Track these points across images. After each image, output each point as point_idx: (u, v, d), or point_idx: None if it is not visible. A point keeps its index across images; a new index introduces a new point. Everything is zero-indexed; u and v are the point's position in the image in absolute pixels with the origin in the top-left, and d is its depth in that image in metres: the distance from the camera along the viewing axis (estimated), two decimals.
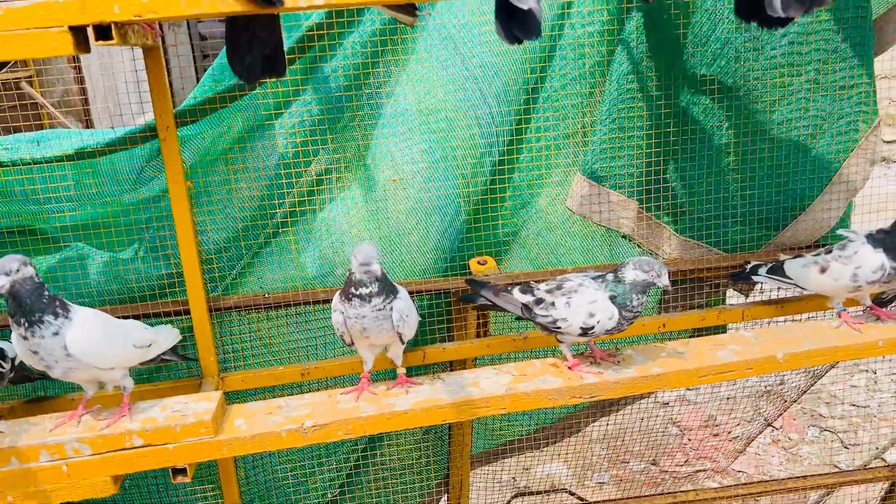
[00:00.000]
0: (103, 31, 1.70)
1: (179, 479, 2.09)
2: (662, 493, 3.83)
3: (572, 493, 4.12)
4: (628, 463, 5.66)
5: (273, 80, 2.49)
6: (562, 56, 2.70)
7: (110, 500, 2.44)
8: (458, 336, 2.83)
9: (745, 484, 4.04)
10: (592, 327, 2.16)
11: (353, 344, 2.26)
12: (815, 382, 3.98)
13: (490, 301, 2.37)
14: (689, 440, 5.79)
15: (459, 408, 2.17)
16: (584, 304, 2.16)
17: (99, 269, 2.58)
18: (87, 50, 1.75)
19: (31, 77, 7.34)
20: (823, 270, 2.43)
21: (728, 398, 4.94)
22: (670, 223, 2.90)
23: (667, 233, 2.90)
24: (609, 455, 5.57)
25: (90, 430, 2.01)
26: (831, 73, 2.70)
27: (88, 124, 7.77)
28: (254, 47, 1.94)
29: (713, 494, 3.80)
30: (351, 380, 2.75)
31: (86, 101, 8.06)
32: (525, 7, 1.57)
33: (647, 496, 3.79)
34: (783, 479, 3.92)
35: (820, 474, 4.01)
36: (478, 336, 2.84)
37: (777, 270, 2.63)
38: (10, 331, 1.95)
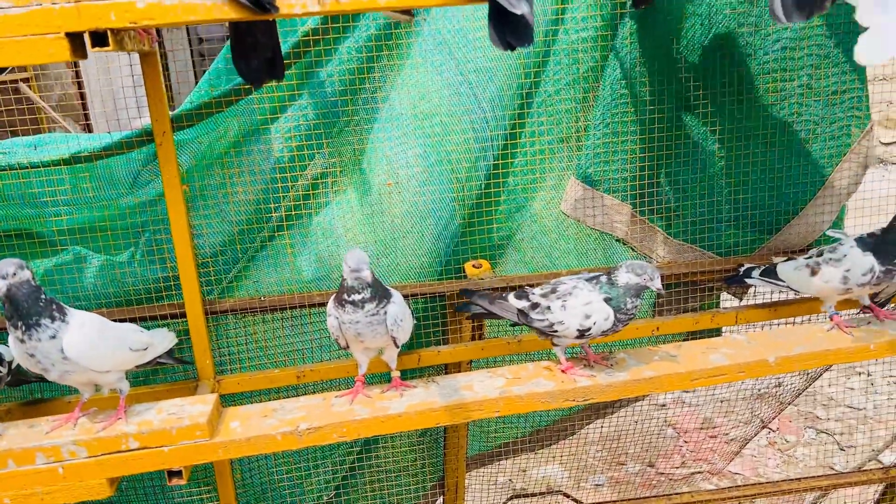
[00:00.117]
0: (100, 38, 1.71)
1: (175, 481, 2.11)
2: (657, 496, 3.84)
3: (567, 496, 4.13)
4: (625, 465, 5.67)
5: (272, 83, 2.51)
6: (556, 61, 2.72)
7: (107, 503, 2.45)
8: (452, 339, 2.84)
9: (740, 486, 4.05)
10: (589, 329, 2.17)
11: (348, 347, 2.28)
12: (810, 385, 3.99)
13: (485, 309, 2.39)
14: (686, 442, 5.80)
15: (453, 411, 2.18)
16: (579, 307, 2.17)
17: (96, 273, 2.59)
18: (84, 56, 1.76)
19: (28, 79, 7.36)
20: (814, 273, 2.46)
21: (725, 400, 4.96)
22: (664, 227, 2.92)
23: (660, 236, 2.92)
24: (606, 457, 5.59)
25: (86, 433, 2.02)
26: (824, 78, 2.71)
27: (87, 128, 7.79)
28: (257, 51, 1.96)
29: (708, 496, 3.81)
30: (346, 383, 2.77)
31: (84, 105, 8.08)
32: (518, 12, 1.58)
33: (643, 498, 3.81)
34: (778, 481, 3.94)
35: (815, 476, 4.03)
36: (472, 339, 2.86)
37: (770, 273, 2.66)
38: (7, 334, 1.97)
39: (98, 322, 2.05)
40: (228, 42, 2.07)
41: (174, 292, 2.61)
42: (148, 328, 2.38)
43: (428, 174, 2.69)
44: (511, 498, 4.17)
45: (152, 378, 2.73)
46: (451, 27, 2.61)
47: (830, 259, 2.42)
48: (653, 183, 2.82)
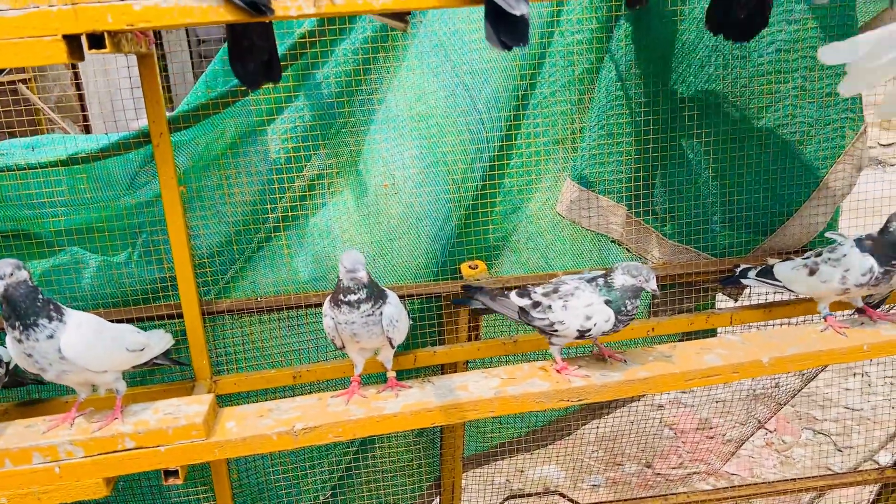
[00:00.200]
0: (96, 40, 1.72)
1: (171, 480, 2.11)
2: (653, 496, 3.85)
3: (563, 496, 4.14)
4: (622, 466, 5.68)
5: (269, 85, 2.52)
6: (551, 63, 2.74)
7: (103, 502, 2.46)
8: (449, 340, 2.85)
9: (736, 486, 4.07)
10: (589, 330, 2.19)
11: (344, 348, 2.29)
12: (806, 385, 4.00)
13: (485, 305, 2.40)
14: (684, 443, 5.81)
15: (448, 411, 2.19)
16: (580, 308, 2.19)
17: (93, 273, 2.60)
18: (81, 58, 1.77)
19: (27, 80, 7.37)
20: (812, 273, 2.47)
21: (722, 401, 4.97)
22: (659, 228, 2.93)
23: (655, 237, 2.93)
24: (603, 458, 5.59)
25: (83, 433, 2.03)
26: (818, 81, 2.73)
27: (86, 129, 7.80)
28: (254, 53, 1.98)
29: (704, 497, 3.82)
30: (343, 383, 2.78)
31: (83, 106, 8.09)
32: (518, 13, 1.58)
33: (638, 498, 3.82)
34: (774, 482, 3.95)
35: (810, 477, 4.04)
36: (469, 340, 2.87)
37: (766, 273, 2.67)
38: (4, 335, 1.98)
39: (95, 322, 2.06)
40: (226, 44, 2.08)
41: (171, 293, 2.62)
42: (145, 329, 2.39)
43: (424, 175, 2.71)
44: (507, 498, 4.18)
45: (149, 378, 2.74)
46: (448, 29, 2.62)
47: (829, 259, 2.44)
48: (648, 184, 2.84)
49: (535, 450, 3.50)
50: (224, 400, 2.69)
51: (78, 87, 8.22)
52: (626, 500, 3.87)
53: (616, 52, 2.69)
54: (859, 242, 2.39)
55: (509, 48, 1.63)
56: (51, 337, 1.94)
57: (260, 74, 1.97)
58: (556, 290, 2.25)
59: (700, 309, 3.04)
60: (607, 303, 2.18)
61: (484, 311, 2.56)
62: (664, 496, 3.81)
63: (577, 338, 2.23)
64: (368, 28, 2.57)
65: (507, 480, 5.27)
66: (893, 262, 2.34)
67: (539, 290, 2.29)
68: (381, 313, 2.15)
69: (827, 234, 2.66)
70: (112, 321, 2.29)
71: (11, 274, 1.88)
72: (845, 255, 2.39)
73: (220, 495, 2.74)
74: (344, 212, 2.73)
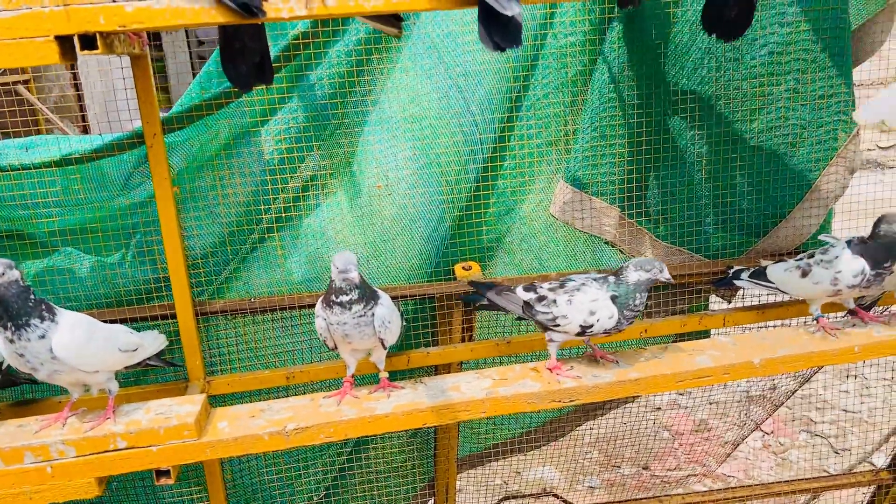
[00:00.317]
0: (89, 41, 1.73)
1: (163, 480, 2.12)
2: (649, 498, 3.86)
3: (557, 497, 4.14)
4: (619, 468, 5.68)
5: (261, 87, 2.53)
6: (545, 65, 2.75)
7: (97, 502, 2.47)
8: (442, 341, 2.86)
9: (731, 488, 4.07)
10: (591, 325, 2.20)
11: (336, 349, 2.30)
12: (801, 387, 4.01)
13: (492, 301, 2.40)
14: (680, 445, 5.81)
15: (440, 411, 2.20)
16: (585, 303, 2.20)
17: (87, 273, 2.61)
18: (74, 59, 1.78)
19: (27, 81, 7.38)
20: (805, 274, 2.49)
21: (719, 403, 4.97)
22: (652, 229, 2.93)
23: (648, 239, 2.94)
24: (600, 459, 5.60)
25: (75, 433, 2.04)
26: (811, 83, 2.74)
27: (85, 129, 7.81)
28: (245, 55, 1.98)
29: (699, 498, 3.83)
30: (336, 384, 2.78)
31: (82, 107, 8.10)
32: (510, 13, 1.59)
33: (634, 500, 3.82)
34: (769, 484, 3.95)
35: (806, 478, 4.05)
36: (462, 341, 2.87)
37: (759, 275, 2.68)
38: None
39: (87, 322, 2.07)
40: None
41: (165, 293, 2.63)
42: (139, 329, 2.40)
43: (418, 177, 2.71)
44: (503, 500, 4.18)
45: (143, 378, 2.75)
46: (441, 31, 2.63)
47: (822, 261, 2.45)
48: (641, 186, 2.85)
49: (530, 451, 3.51)
50: (218, 401, 2.69)
51: (77, 87, 8.24)
52: (621, 501, 3.87)
53: (609, 55, 2.70)
54: (851, 245, 2.40)
55: (502, 49, 1.64)
56: (42, 337, 1.94)
57: (251, 76, 1.98)
58: (562, 286, 2.26)
59: (693, 310, 3.05)
60: (613, 299, 2.19)
61: (489, 308, 2.55)
62: (659, 498, 3.82)
63: (579, 334, 2.23)
64: (362, 30, 2.57)
65: (504, 482, 5.28)
66: (885, 265, 2.35)
67: (546, 285, 2.30)
68: (373, 314, 2.16)
69: (820, 237, 2.67)
70: (106, 321, 2.30)
71: (3, 273, 1.89)
72: (837, 258, 2.40)
73: (213, 495, 2.74)
74: (338, 213, 2.74)
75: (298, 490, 3.05)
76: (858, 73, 2.88)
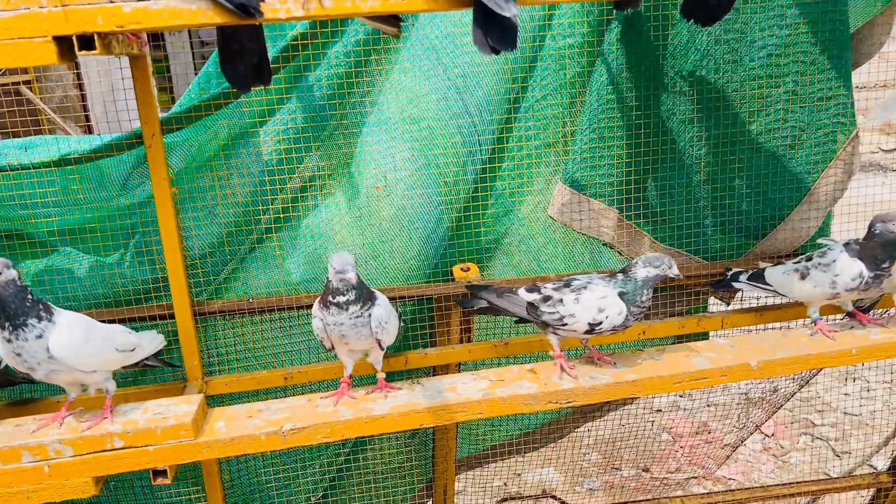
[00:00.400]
0: (87, 42, 1.74)
1: (160, 480, 2.13)
2: (649, 500, 3.86)
3: (556, 498, 4.14)
4: (620, 470, 5.67)
5: (259, 88, 2.54)
6: (543, 67, 2.75)
7: (94, 501, 2.47)
8: (440, 342, 2.86)
9: (731, 490, 4.06)
10: (601, 323, 2.19)
11: (333, 349, 2.30)
12: (800, 389, 4.00)
13: (491, 304, 2.38)
14: (681, 447, 5.80)
15: (436, 412, 2.20)
16: (593, 300, 2.19)
17: (86, 273, 2.62)
18: (72, 59, 1.79)
19: (30, 81, 7.41)
20: (803, 277, 2.48)
21: (720, 405, 4.96)
22: (650, 231, 2.93)
23: (647, 241, 2.94)
24: (601, 461, 5.59)
25: (72, 432, 2.04)
26: (809, 85, 2.73)
27: (88, 129, 7.83)
28: (244, 56, 1.99)
29: (699, 501, 3.82)
30: (334, 384, 2.78)
31: (85, 107, 8.12)
32: (507, 14, 1.59)
33: (633, 502, 3.82)
34: (769, 486, 3.95)
35: (806, 481, 4.03)
36: (461, 342, 2.88)
37: (757, 277, 2.67)
38: None
39: (85, 322, 2.07)
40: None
41: (164, 293, 2.63)
42: (137, 329, 2.40)
43: (416, 178, 2.72)
44: (502, 501, 4.18)
45: (141, 378, 2.75)
46: (439, 32, 2.63)
47: (820, 264, 2.45)
48: (639, 188, 2.84)
49: (528, 452, 3.51)
50: (216, 401, 2.70)
51: (80, 88, 8.26)
52: (621, 503, 3.86)
53: (608, 56, 2.70)
54: (848, 247, 2.40)
55: (497, 52, 1.64)
56: (40, 337, 1.95)
57: (250, 77, 1.98)
58: (567, 285, 2.25)
59: (692, 312, 3.05)
60: (621, 295, 2.19)
61: (487, 312, 2.51)
62: (659, 500, 3.82)
63: (587, 332, 2.22)
64: (361, 31, 2.58)
65: (504, 483, 5.28)
66: (883, 266, 2.35)
67: (550, 285, 2.29)
68: (370, 315, 2.16)
69: (819, 240, 2.67)
70: (104, 321, 2.31)
71: (0, 273, 1.89)
72: (835, 261, 2.40)
73: (211, 495, 2.75)
74: (336, 214, 2.75)
75: (296, 490, 3.06)
76: (857, 76, 2.88)
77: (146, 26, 1.73)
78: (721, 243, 2.93)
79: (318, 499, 3.11)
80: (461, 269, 2.84)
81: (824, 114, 2.77)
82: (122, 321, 2.56)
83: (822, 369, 3.45)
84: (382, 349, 2.29)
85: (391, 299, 2.34)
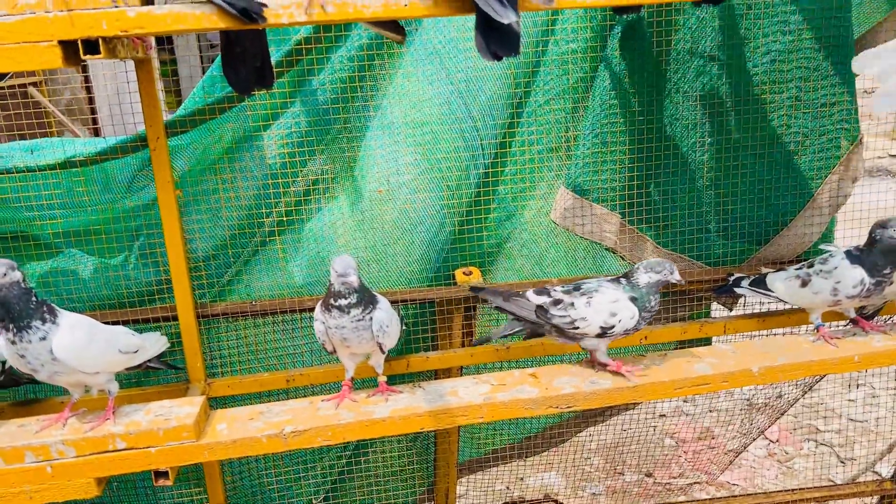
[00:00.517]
0: (92, 46, 1.75)
1: (161, 482, 2.14)
2: None
3: (558, 502, 4.13)
4: (623, 475, 5.66)
5: (262, 91, 2.55)
6: (546, 72, 2.75)
7: (97, 502, 2.48)
8: (442, 345, 2.87)
9: (734, 496, 4.05)
10: (613, 326, 2.19)
11: (335, 352, 2.31)
12: (803, 395, 3.99)
13: (496, 307, 2.36)
14: (685, 452, 5.79)
15: (437, 416, 2.20)
16: (605, 304, 2.19)
17: (90, 275, 2.63)
18: (77, 63, 1.81)
19: (37, 83, 7.45)
20: (805, 284, 2.48)
21: (724, 410, 4.94)
22: (653, 236, 2.93)
23: (650, 245, 2.94)
24: (605, 466, 5.58)
25: (75, 433, 2.05)
26: (813, 91, 2.73)
27: (95, 132, 7.87)
28: (246, 60, 2.01)
29: None
30: (336, 387, 2.78)
31: (93, 109, 8.16)
32: (506, 21, 1.60)
33: None
34: (772, 492, 3.94)
35: (809, 488, 4.02)
36: (462, 346, 2.88)
37: (759, 283, 2.67)
38: None
39: (88, 324, 2.08)
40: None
41: (167, 295, 2.65)
42: (141, 331, 2.41)
43: (419, 182, 2.72)
44: None
45: (144, 380, 2.77)
46: (443, 37, 2.64)
47: (821, 271, 2.44)
48: (642, 193, 2.84)
49: (530, 456, 3.51)
50: (219, 402, 2.71)
51: (88, 90, 8.31)
52: None
53: (611, 61, 2.71)
54: (850, 254, 2.39)
55: (500, 58, 1.65)
56: (43, 339, 1.96)
57: (252, 80, 2.00)
58: (577, 288, 2.24)
59: (694, 318, 3.04)
60: (632, 300, 2.19)
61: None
62: None
63: (598, 335, 2.22)
64: (364, 36, 2.59)
65: (507, 487, 5.27)
66: (884, 272, 2.34)
67: (559, 288, 2.28)
68: (372, 318, 2.16)
69: (821, 246, 2.67)
70: (108, 323, 2.32)
71: (5, 274, 1.90)
72: (836, 268, 2.39)
73: (213, 497, 2.76)
74: (339, 217, 2.76)
75: (298, 493, 3.06)
76: (861, 82, 2.88)
77: (150, 31, 1.75)
78: (724, 248, 2.93)
79: (320, 501, 3.12)
80: (463, 272, 2.84)
81: (828, 119, 2.77)
82: (125, 323, 2.57)
83: (825, 375, 3.44)
84: (384, 352, 2.29)
85: (393, 303, 2.34)
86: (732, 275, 2.80)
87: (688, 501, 3.86)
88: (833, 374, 3.60)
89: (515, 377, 2.33)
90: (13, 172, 2.46)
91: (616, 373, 2.26)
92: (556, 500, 4.09)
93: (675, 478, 5.60)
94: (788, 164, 2.82)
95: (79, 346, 2.01)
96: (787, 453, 5.83)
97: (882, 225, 2.31)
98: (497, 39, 1.64)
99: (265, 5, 1.70)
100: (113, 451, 2.06)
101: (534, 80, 2.77)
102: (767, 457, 5.84)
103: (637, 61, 2.69)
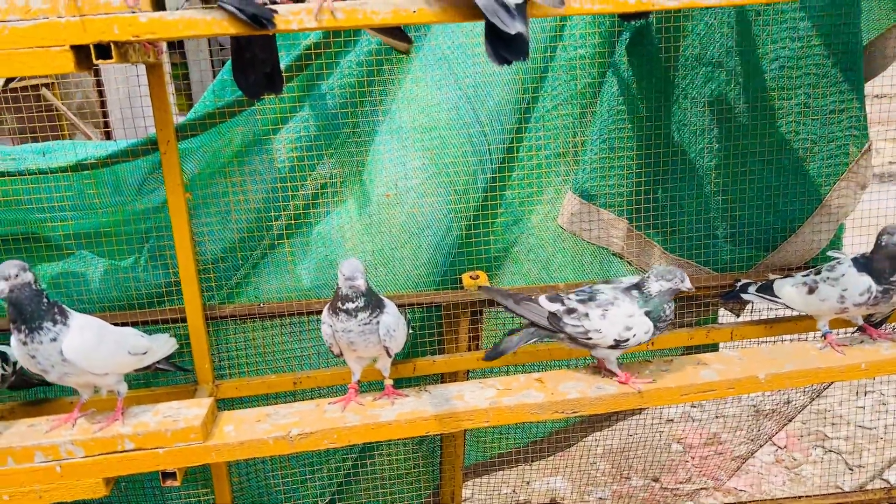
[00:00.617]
0: (104, 51, 1.78)
1: (169, 482, 2.16)
2: None
3: None
4: (630, 479, 5.65)
5: (271, 96, 2.57)
6: (554, 77, 2.76)
7: (105, 501, 2.50)
8: (448, 349, 2.88)
9: (741, 502, 4.04)
10: (627, 340, 2.19)
11: (341, 355, 2.32)
12: (811, 402, 3.97)
13: (507, 309, 2.35)
14: (692, 458, 5.77)
15: (443, 420, 2.21)
16: (621, 317, 2.19)
17: (101, 277, 2.66)
18: (89, 68, 1.83)
19: (48, 85, 7.51)
20: (812, 291, 2.47)
21: (732, 416, 4.93)
22: (660, 242, 2.93)
23: (657, 251, 2.94)
24: (611, 471, 5.57)
25: (84, 433, 2.07)
26: (822, 98, 2.73)
27: (107, 135, 7.92)
28: (256, 65, 2.03)
29: None
30: (343, 390, 2.79)
31: (105, 112, 8.21)
32: (513, 32, 1.62)
33: None
34: (780, 499, 3.93)
35: (816, 495, 4.01)
36: (469, 349, 2.89)
37: (766, 289, 2.66)
38: (10, 335, 2.02)
39: (98, 325, 2.10)
40: None
41: (176, 297, 2.67)
42: (150, 332, 2.43)
43: (427, 186, 2.73)
44: None
45: (153, 381, 2.79)
46: (451, 43, 2.66)
47: (828, 278, 2.44)
48: (649, 198, 2.85)
49: (536, 461, 3.51)
50: (227, 404, 2.73)
51: (100, 93, 8.36)
52: None
53: (619, 67, 2.71)
54: (857, 262, 2.38)
55: (508, 63, 1.66)
56: (54, 340, 1.98)
57: (260, 86, 2.02)
58: (592, 298, 2.23)
59: (701, 324, 3.04)
60: (647, 314, 2.19)
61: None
62: None
63: (611, 347, 2.22)
64: (373, 41, 2.60)
65: (513, 491, 5.27)
66: (892, 280, 2.33)
67: (573, 296, 2.27)
68: (378, 322, 2.17)
69: (829, 253, 2.66)
70: (117, 324, 2.34)
71: (17, 275, 1.92)
72: (843, 275, 2.39)
73: (220, 498, 2.77)
74: (347, 220, 2.77)
75: (304, 494, 3.08)
76: (871, 88, 2.87)
77: (162, 36, 1.77)
78: (731, 255, 2.92)
79: (326, 503, 3.13)
80: (470, 276, 2.85)
81: (837, 126, 2.76)
82: (134, 324, 2.59)
83: (833, 382, 3.43)
84: (390, 356, 2.30)
85: (400, 306, 2.35)
86: (740, 281, 2.80)
87: None
88: (841, 381, 3.59)
89: (521, 382, 2.33)
90: (25, 175, 2.48)
91: (624, 384, 2.27)
92: None
93: (681, 483, 5.58)
94: (797, 170, 2.81)
95: (88, 347, 2.03)
96: (794, 460, 5.81)
97: (890, 231, 2.30)
98: (506, 44, 1.65)
99: (276, 11, 1.72)
100: (121, 452, 2.08)
101: (542, 85, 2.78)
102: (775, 463, 5.81)
103: (645, 67, 2.70)
